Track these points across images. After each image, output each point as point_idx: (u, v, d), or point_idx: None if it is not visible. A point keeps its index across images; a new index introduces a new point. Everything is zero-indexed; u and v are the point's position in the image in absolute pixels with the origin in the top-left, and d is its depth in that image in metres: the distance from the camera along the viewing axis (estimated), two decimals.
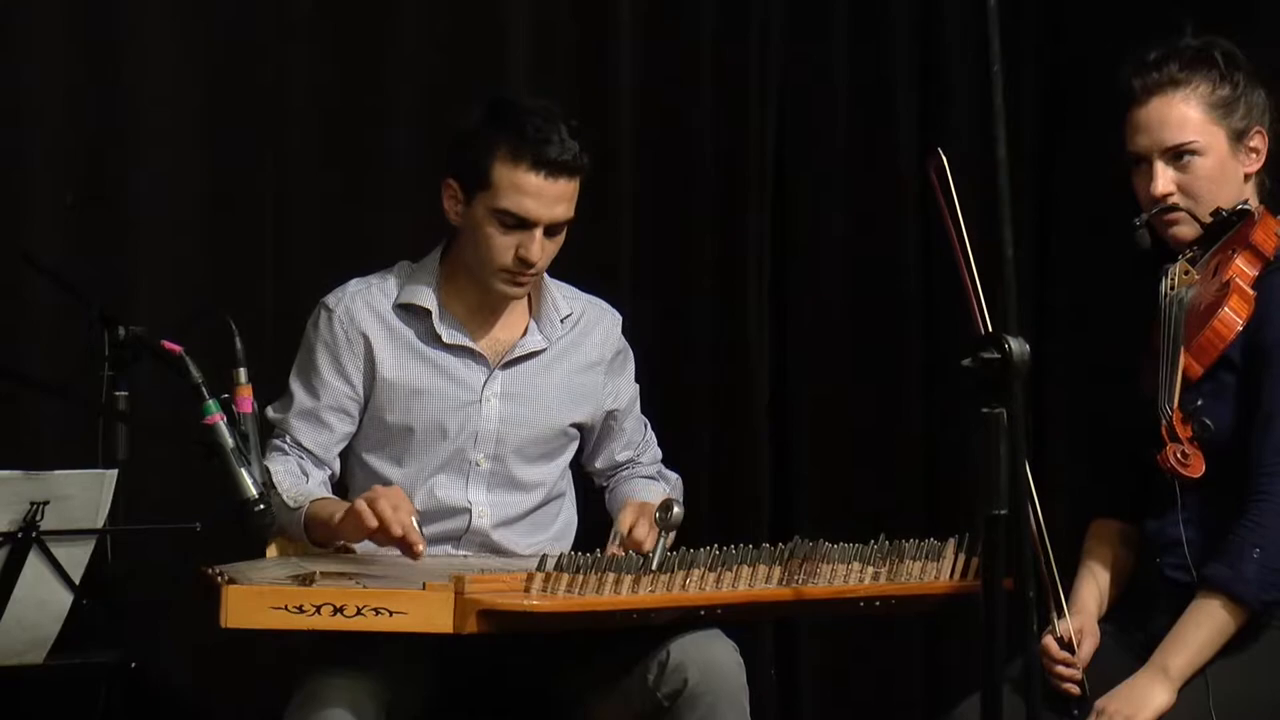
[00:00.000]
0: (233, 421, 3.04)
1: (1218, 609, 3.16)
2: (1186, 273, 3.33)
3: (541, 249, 3.46)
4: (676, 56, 4.58)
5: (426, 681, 3.30)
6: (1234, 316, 3.23)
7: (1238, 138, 3.33)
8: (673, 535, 3.26)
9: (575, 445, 3.68)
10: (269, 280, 4.13)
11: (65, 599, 2.90)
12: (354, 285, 3.57)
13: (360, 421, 3.55)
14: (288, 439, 3.53)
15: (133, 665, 3.10)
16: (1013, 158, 2.71)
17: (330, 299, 3.56)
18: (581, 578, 3.10)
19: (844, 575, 3.28)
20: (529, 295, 3.59)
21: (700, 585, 3.18)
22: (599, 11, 4.48)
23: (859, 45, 4.76)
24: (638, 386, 3.75)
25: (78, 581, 2.90)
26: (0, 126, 3.89)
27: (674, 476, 3.79)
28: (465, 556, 3.53)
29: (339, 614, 2.99)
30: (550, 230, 3.46)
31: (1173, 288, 3.33)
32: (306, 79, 4.19)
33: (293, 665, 3.27)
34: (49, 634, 2.92)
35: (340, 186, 4.21)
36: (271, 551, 3.47)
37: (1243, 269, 3.26)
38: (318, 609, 2.98)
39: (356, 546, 3.43)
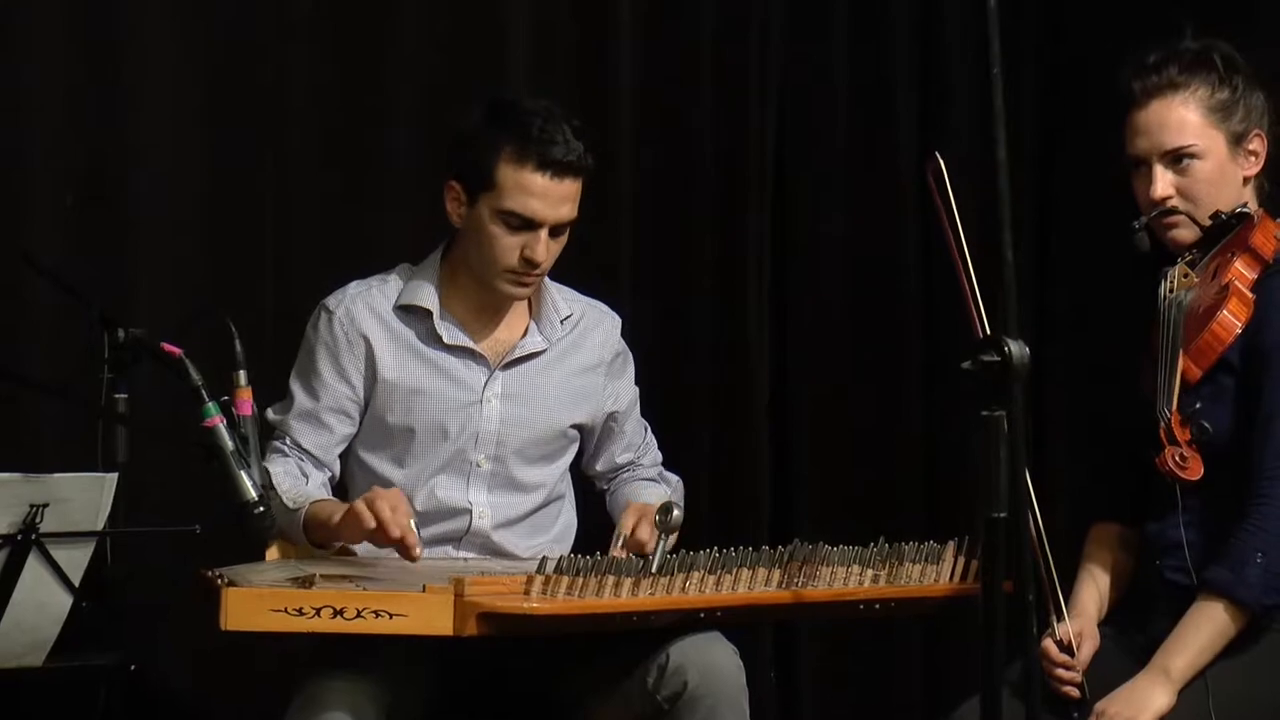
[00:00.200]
0: (232, 424, 3.04)
1: (1219, 612, 3.16)
2: (1185, 276, 3.32)
3: (546, 249, 3.45)
4: (676, 56, 4.58)
5: (427, 684, 3.30)
6: (1233, 319, 3.23)
7: (1237, 141, 3.33)
8: (673, 538, 3.27)
9: (575, 447, 3.68)
10: (269, 281, 4.13)
11: (65, 601, 2.90)
12: (354, 287, 3.57)
13: (360, 423, 3.55)
14: (287, 440, 3.52)
15: (132, 668, 3.10)
16: (1012, 159, 2.72)
17: (330, 300, 3.56)
18: (581, 580, 3.09)
19: (843, 578, 3.28)
20: (529, 296, 3.59)
21: (700, 588, 3.17)
22: (599, 11, 4.48)
23: (859, 45, 4.76)
24: (638, 389, 3.75)
25: (77, 584, 2.90)
26: (0, 126, 3.89)
27: (675, 479, 3.79)
28: (465, 559, 3.53)
29: (339, 616, 2.99)
30: (555, 230, 3.46)
31: (1172, 290, 3.33)
32: (306, 79, 4.19)
33: (292, 668, 3.26)
34: (48, 636, 2.91)
35: (340, 186, 4.21)
36: (271, 554, 3.46)
37: (1242, 272, 3.26)
38: (317, 611, 2.98)
39: (356, 548, 3.43)
